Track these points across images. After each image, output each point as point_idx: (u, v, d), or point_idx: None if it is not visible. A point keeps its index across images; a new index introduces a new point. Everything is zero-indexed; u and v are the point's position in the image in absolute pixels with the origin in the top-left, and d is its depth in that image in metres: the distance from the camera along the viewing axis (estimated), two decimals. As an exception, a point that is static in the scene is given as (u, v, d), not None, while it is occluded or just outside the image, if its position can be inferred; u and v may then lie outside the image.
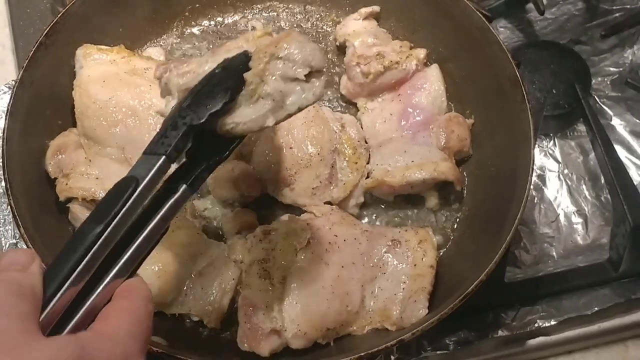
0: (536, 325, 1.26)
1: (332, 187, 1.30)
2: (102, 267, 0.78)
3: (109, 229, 0.79)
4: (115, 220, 0.79)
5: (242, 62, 0.91)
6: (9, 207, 1.15)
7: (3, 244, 1.33)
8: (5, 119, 1.20)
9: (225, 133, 0.90)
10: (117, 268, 0.80)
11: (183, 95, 0.94)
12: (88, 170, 1.26)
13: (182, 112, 0.88)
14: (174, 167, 0.89)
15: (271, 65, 0.89)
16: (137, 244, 0.82)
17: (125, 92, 1.31)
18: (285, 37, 0.91)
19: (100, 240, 0.78)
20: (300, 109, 0.91)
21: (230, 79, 0.90)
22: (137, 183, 0.82)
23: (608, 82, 1.56)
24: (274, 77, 0.89)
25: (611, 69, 1.57)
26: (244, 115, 0.89)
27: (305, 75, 0.90)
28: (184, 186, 0.88)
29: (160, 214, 0.85)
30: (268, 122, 0.90)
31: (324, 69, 0.92)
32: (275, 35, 0.95)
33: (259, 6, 1.58)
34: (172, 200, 0.86)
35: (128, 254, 0.81)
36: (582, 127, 1.49)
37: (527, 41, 1.62)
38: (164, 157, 0.85)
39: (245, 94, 0.89)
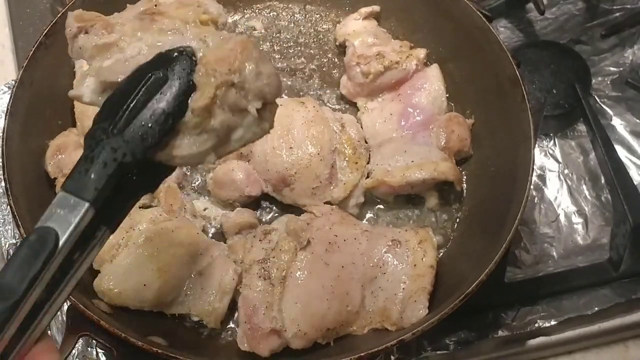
0: (536, 325, 1.25)
1: (332, 187, 1.30)
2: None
3: (19, 307, 0.68)
4: (27, 296, 0.68)
5: (184, 67, 0.78)
6: (8, 207, 1.15)
7: (3, 244, 1.33)
8: (5, 119, 1.20)
9: (156, 162, 0.79)
10: (27, 335, 0.71)
11: (104, 93, 0.81)
12: (88, 170, 1.26)
13: (111, 142, 0.75)
14: None
15: (222, 94, 0.76)
16: (49, 310, 0.73)
17: (125, 92, 1.31)
18: (240, 54, 0.77)
19: (8, 321, 0.68)
20: (244, 145, 0.82)
21: (171, 98, 0.76)
22: (56, 240, 0.71)
23: (608, 82, 1.56)
24: (223, 109, 0.77)
25: (611, 68, 1.57)
26: (183, 149, 0.78)
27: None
28: (104, 229, 0.77)
29: (77, 270, 0.75)
30: (208, 159, 0.80)
31: (277, 100, 0.82)
32: (224, 37, 0.81)
33: (259, 6, 1.58)
34: (90, 250, 0.76)
35: (38, 321, 0.72)
36: (582, 127, 1.49)
37: (527, 41, 1.62)
38: (88, 204, 0.72)
39: (188, 123, 0.77)
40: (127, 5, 0.89)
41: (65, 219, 0.71)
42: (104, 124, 0.76)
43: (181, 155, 0.78)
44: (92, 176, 0.73)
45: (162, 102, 0.76)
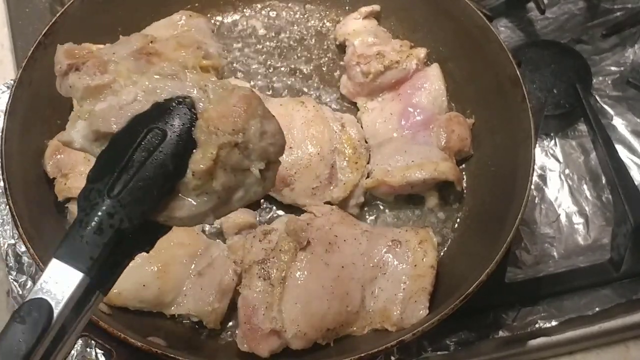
0: (537, 325, 1.25)
1: (332, 187, 1.30)
2: None
3: None
4: None
5: (184, 122, 0.72)
6: (7, 207, 1.14)
7: (2, 244, 1.32)
8: (4, 119, 1.19)
9: (152, 222, 0.74)
10: None
11: (96, 142, 0.76)
12: (87, 170, 1.24)
13: (107, 206, 0.70)
14: None
15: (224, 154, 0.72)
16: None
17: (124, 92, 1.30)
18: (244, 111, 0.73)
19: None
20: (245, 204, 0.77)
21: (171, 157, 0.71)
22: (49, 313, 0.67)
23: (609, 82, 1.55)
24: (225, 170, 0.73)
25: (612, 68, 1.57)
26: (181, 211, 0.73)
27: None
28: (98, 293, 0.72)
29: (69, 338, 0.71)
30: (207, 220, 0.75)
31: (280, 159, 0.77)
32: (226, 88, 0.76)
33: (258, 5, 1.57)
34: (83, 315, 0.71)
35: None
36: (583, 127, 1.49)
37: (528, 40, 1.62)
38: (83, 275, 0.69)
39: (188, 184, 0.73)
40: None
41: (59, 290, 0.68)
42: (99, 185, 0.72)
43: (179, 217, 0.74)
44: (87, 244, 0.69)
45: (161, 161, 0.71)
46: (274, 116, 0.76)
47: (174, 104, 0.74)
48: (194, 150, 0.72)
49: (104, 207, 0.70)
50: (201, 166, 0.71)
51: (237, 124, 0.72)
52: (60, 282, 0.68)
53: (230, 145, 0.72)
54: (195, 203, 0.73)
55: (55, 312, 0.67)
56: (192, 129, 0.72)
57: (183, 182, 0.72)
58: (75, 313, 0.70)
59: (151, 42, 0.81)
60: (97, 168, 0.74)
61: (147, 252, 0.77)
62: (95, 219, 0.70)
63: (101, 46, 0.83)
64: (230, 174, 0.73)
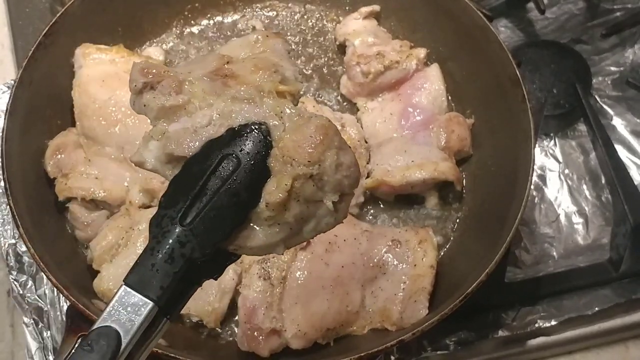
0: (536, 325, 1.25)
1: (332, 187, 1.30)
2: None
3: None
4: None
5: (258, 150, 0.71)
6: (8, 207, 1.14)
7: (2, 244, 1.32)
8: (5, 119, 1.20)
9: (223, 250, 0.73)
10: None
11: (168, 164, 0.75)
12: (87, 170, 1.26)
13: (179, 234, 0.69)
14: None
15: (298, 186, 0.70)
16: None
17: (124, 92, 1.30)
18: (320, 142, 0.70)
19: None
20: (315, 235, 0.76)
21: (245, 186, 0.70)
22: (118, 342, 0.66)
23: (609, 82, 1.55)
24: (298, 202, 0.71)
25: (612, 68, 1.57)
26: (253, 240, 0.72)
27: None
28: (165, 320, 0.71)
29: None
30: (277, 250, 0.74)
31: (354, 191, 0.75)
32: (302, 116, 0.73)
33: (258, 5, 1.57)
34: (149, 342, 0.70)
35: None
36: (582, 127, 1.49)
37: (528, 40, 1.62)
38: (152, 304, 0.68)
39: (261, 214, 0.71)
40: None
41: (128, 318, 0.67)
42: (171, 212, 0.70)
43: (251, 246, 0.72)
44: (158, 272, 0.69)
45: (234, 190, 0.70)
46: (349, 147, 0.74)
47: (249, 131, 0.72)
48: (268, 180, 0.71)
49: (175, 235, 0.70)
50: (275, 198, 0.70)
51: (313, 155, 0.70)
52: (129, 310, 0.68)
53: (305, 177, 0.70)
54: (267, 233, 0.72)
55: (124, 341, 0.67)
56: (267, 157, 0.71)
57: (255, 212, 0.71)
58: (142, 340, 0.69)
59: (227, 62, 0.80)
60: (169, 194, 0.73)
61: (216, 279, 0.75)
62: (167, 247, 0.69)
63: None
64: (304, 205, 0.72)
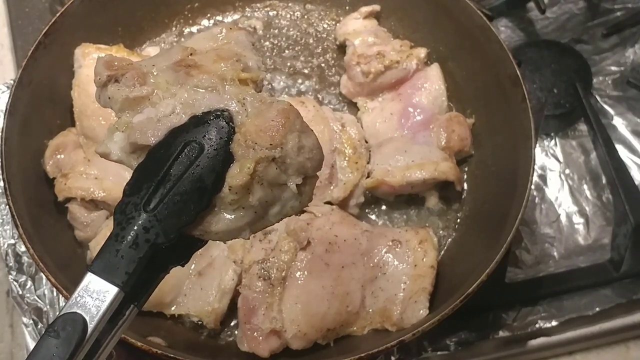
0: (537, 325, 1.25)
1: (332, 187, 1.30)
2: None
3: None
4: None
5: (221, 135, 0.72)
6: (7, 207, 1.14)
7: (1, 244, 1.32)
8: (4, 119, 1.19)
9: (188, 236, 0.74)
10: None
11: (133, 154, 0.75)
12: (87, 170, 1.26)
13: (144, 220, 0.70)
14: None
15: (261, 169, 0.71)
16: None
17: (124, 92, 1.30)
18: (282, 126, 0.72)
19: None
20: (281, 219, 0.76)
21: (208, 171, 0.71)
22: (84, 327, 0.67)
23: (609, 82, 1.55)
24: (262, 185, 0.72)
25: (612, 68, 1.57)
26: (218, 225, 0.73)
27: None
28: (132, 307, 0.72)
29: (103, 352, 0.70)
30: (243, 234, 0.74)
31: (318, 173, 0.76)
32: (264, 101, 0.74)
33: (258, 5, 1.57)
34: (117, 329, 0.71)
35: None
36: (583, 127, 1.49)
37: (528, 40, 1.62)
38: (118, 289, 0.69)
39: (225, 199, 0.72)
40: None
41: (94, 304, 0.68)
42: (135, 199, 0.71)
43: (215, 231, 0.73)
44: (123, 259, 0.69)
45: (198, 175, 0.70)
46: (312, 130, 0.75)
47: (211, 117, 0.73)
48: (231, 165, 0.72)
49: (140, 221, 0.70)
50: (238, 181, 0.70)
51: (275, 138, 0.71)
52: (95, 296, 0.68)
53: (268, 159, 0.71)
54: (231, 217, 0.73)
55: (90, 326, 0.67)
56: (230, 143, 0.72)
57: (220, 197, 0.72)
58: (109, 327, 0.70)
59: (191, 54, 0.80)
60: (133, 181, 0.73)
61: (183, 265, 0.76)
62: (131, 233, 0.70)
63: (140, 59, 0.82)
64: (267, 188, 0.72)
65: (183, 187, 0.71)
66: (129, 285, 0.69)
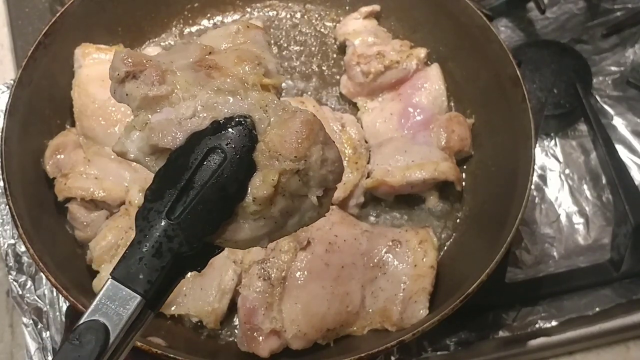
0: (537, 325, 1.25)
1: (332, 187, 1.30)
2: None
3: None
4: None
5: (244, 144, 0.71)
6: (7, 207, 1.14)
7: (1, 244, 1.32)
8: (4, 119, 1.19)
9: (209, 244, 0.74)
10: None
11: (152, 156, 0.74)
12: (87, 170, 1.26)
13: (167, 228, 0.69)
14: None
15: (284, 180, 0.71)
16: None
17: (124, 92, 1.30)
18: (306, 138, 0.70)
19: None
20: (298, 229, 0.76)
21: (231, 180, 0.70)
22: (106, 336, 0.66)
23: (609, 82, 1.55)
24: (283, 196, 0.72)
25: (612, 68, 1.57)
26: (239, 233, 0.72)
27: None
28: (150, 312, 0.71)
29: (121, 356, 0.70)
30: (262, 243, 0.74)
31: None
32: (286, 110, 0.73)
33: (258, 5, 1.57)
34: (134, 334, 0.70)
35: None
36: (583, 127, 1.49)
37: (528, 40, 1.62)
38: (140, 298, 0.68)
39: (247, 208, 0.71)
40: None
41: (116, 312, 0.67)
42: (158, 205, 0.70)
43: (236, 239, 0.72)
44: (146, 267, 0.69)
45: (221, 184, 0.69)
46: (334, 142, 0.74)
47: (234, 124, 0.72)
48: (254, 174, 0.71)
49: (163, 230, 0.69)
50: (263, 192, 0.70)
51: (299, 150, 0.70)
52: (117, 304, 0.68)
53: (292, 172, 0.70)
54: (252, 227, 0.72)
55: (112, 335, 0.67)
56: (252, 150, 0.71)
57: (242, 206, 0.71)
58: (128, 334, 0.69)
59: (210, 53, 0.79)
60: (155, 187, 0.72)
61: (199, 271, 0.75)
62: (154, 241, 0.69)
63: (159, 53, 0.81)
64: (289, 199, 0.72)
65: (207, 196, 0.70)
66: (150, 293, 0.69)
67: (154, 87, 0.74)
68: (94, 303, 0.68)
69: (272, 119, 0.73)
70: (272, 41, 1.53)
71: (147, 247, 0.69)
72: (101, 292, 0.69)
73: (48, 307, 1.26)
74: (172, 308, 1.18)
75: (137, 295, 0.68)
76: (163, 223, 0.70)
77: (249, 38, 0.83)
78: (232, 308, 1.20)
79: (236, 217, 0.72)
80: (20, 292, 1.27)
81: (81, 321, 0.67)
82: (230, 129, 0.71)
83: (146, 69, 0.75)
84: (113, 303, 0.68)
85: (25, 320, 1.25)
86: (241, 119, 0.72)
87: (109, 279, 0.69)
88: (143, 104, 0.75)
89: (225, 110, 0.73)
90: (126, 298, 0.68)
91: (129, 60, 0.76)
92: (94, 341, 0.66)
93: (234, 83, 0.74)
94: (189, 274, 1.09)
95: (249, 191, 0.70)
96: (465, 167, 1.38)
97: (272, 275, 1.15)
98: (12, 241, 1.32)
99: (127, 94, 0.76)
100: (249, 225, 0.72)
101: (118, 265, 0.70)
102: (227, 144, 0.71)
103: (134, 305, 0.68)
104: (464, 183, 1.35)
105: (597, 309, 1.26)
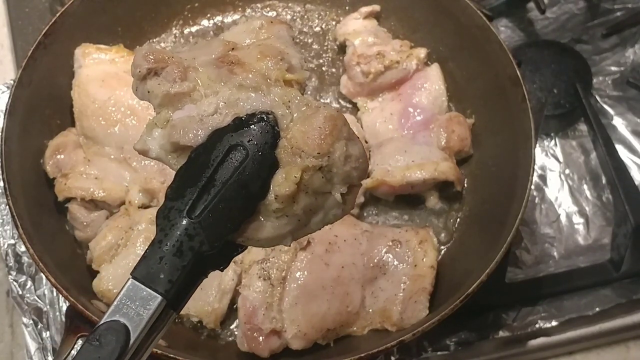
0: (537, 325, 1.25)
1: (332, 187, 1.30)
2: None
3: None
4: None
5: (266, 140, 0.69)
6: (7, 207, 1.14)
7: (1, 244, 1.32)
8: (4, 119, 1.19)
9: (231, 242, 0.72)
10: None
11: (174, 153, 0.73)
12: (87, 170, 1.26)
13: (188, 227, 0.68)
14: None
15: (307, 177, 0.69)
16: None
17: (124, 92, 1.30)
18: (329, 134, 0.69)
19: None
20: (322, 227, 0.74)
21: (253, 178, 0.68)
22: (127, 336, 0.65)
23: (609, 82, 1.55)
24: (306, 193, 0.70)
25: (612, 68, 1.57)
26: (261, 232, 0.71)
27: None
28: (172, 312, 0.70)
29: (142, 357, 0.69)
30: (285, 242, 0.73)
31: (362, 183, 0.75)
32: (309, 106, 0.72)
33: (258, 5, 1.57)
34: (156, 335, 0.69)
35: None
36: (583, 127, 1.49)
37: (528, 40, 1.62)
38: (161, 298, 0.67)
39: (269, 206, 0.70)
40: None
41: (137, 312, 0.66)
42: (178, 204, 0.69)
43: (258, 238, 0.71)
44: (167, 266, 0.67)
45: (243, 182, 0.68)
46: (358, 138, 0.73)
47: (256, 120, 0.70)
48: (276, 171, 0.69)
49: (184, 229, 0.68)
50: (285, 190, 0.68)
51: (322, 147, 0.68)
52: (137, 304, 0.67)
53: (315, 169, 0.69)
54: (275, 225, 0.71)
55: (133, 336, 0.66)
56: (275, 148, 0.69)
57: (264, 204, 0.70)
58: (149, 334, 0.68)
59: (232, 49, 0.77)
60: (176, 185, 0.71)
61: (222, 270, 0.74)
62: (175, 240, 0.68)
63: (180, 51, 0.80)
64: (312, 197, 0.70)
65: (228, 194, 0.68)
66: (171, 293, 0.67)
67: (176, 84, 0.73)
68: (114, 303, 0.67)
69: (295, 115, 0.71)
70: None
71: (168, 247, 0.68)
72: (122, 292, 0.68)
73: (48, 307, 1.26)
74: (172, 308, 1.18)
75: (158, 295, 0.67)
76: (184, 222, 0.68)
77: (273, 33, 0.82)
78: (232, 308, 1.20)
79: (258, 215, 0.70)
80: (20, 292, 1.27)
81: (101, 321, 0.67)
82: (252, 126, 0.70)
83: (168, 65, 0.74)
84: (134, 303, 0.67)
85: (25, 320, 1.25)
86: (263, 115, 0.71)
87: (129, 278, 0.68)
88: (165, 101, 0.74)
89: (248, 107, 0.72)
90: (147, 298, 0.67)
91: (151, 57, 0.75)
92: (114, 342, 0.65)
93: (256, 79, 0.73)
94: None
95: (271, 189, 0.69)
96: (465, 167, 1.38)
97: (272, 275, 1.15)
98: (12, 241, 1.32)
99: (148, 91, 0.74)
100: (271, 223, 0.70)
101: (139, 265, 0.69)
102: (249, 141, 0.69)
103: (154, 306, 0.67)
104: (464, 183, 1.35)
105: (597, 309, 1.26)
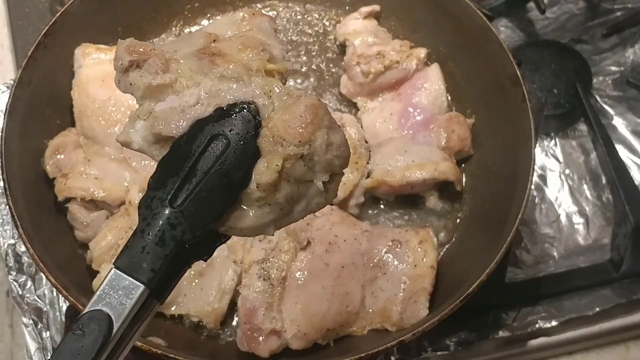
0: (537, 325, 1.25)
1: (332, 187, 1.30)
2: None
3: None
4: None
5: (247, 129, 0.70)
6: (7, 207, 1.14)
7: (1, 244, 1.32)
8: (4, 119, 1.19)
9: (214, 232, 0.73)
10: None
11: (156, 144, 0.73)
12: (87, 170, 1.26)
13: (170, 216, 0.69)
14: None
15: (289, 166, 0.70)
16: None
17: (124, 92, 1.30)
18: (310, 122, 0.70)
19: None
20: (305, 216, 0.75)
21: (235, 167, 0.69)
22: (109, 325, 0.66)
23: (609, 82, 1.55)
24: (288, 182, 0.71)
25: (612, 68, 1.57)
26: (243, 221, 0.71)
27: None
28: (155, 302, 0.70)
29: (125, 348, 0.69)
30: (268, 231, 0.73)
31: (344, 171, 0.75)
32: (290, 95, 0.73)
33: (258, 5, 1.57)
34: (139, 325, 0.70)
35: None
36: (583, 127, 1.49)
37: (528, 40, 1.62)
38: (143, 287, 0.68)
39: (251, 195, 0.70)
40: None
41: (119, 302, 0.67)
42: (160, 193, 0.70)
43: (240, 227, 0.71)
44: (149, 255, 0.68)
45: (225, 171, 0.69)
46: (339, 126, 0.73)
47: (237, 110, 0.71)
48: (258, 160, 0.70)
49: (166, 218, 0.69)
50: (266, 178, 0.69)
51: (303, 135, 0.69)
52: (120, 293, 0.67)
53: (296, 157, 0.69)
54: (257, 214, 0.71)
55: (116, 325, 0.66)
56: (257, 137, 0.70)
57: (246, 193, 0.70)
58: (133, 324, 0.68)
59: (214, 40, 0.78)
60: (158, 175, 0.72)
61: (205, 260, 0.74)
62: (157, 229, 0.69)
63: (163, 42, 0.80)
64: (294, 185, 0.71)
65: (210, 183, 0.69)
66: (154, 282, 0.68)
67: (158, 76, 0.73)
68: (97, 293, 0.68)
69: (276, 105, 0.72)
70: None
71: (150, 236, 0.69)
72: (104, 282, 0.68)
73: (48, 307, 1.26)
74: (172, 308, 1.18)
75: (141, 285, 0.68)
76: (166, 211, 0.69)
77: (255, 25, 0.82)
78: (232, 308, 1.20)
79: (240, 204, 0.71)
80: (20, 292, 1.27)
81: (84, 311, 0.67)
82: (233, 116, 0.71)
83: (150, 58, 0.75)
84: (116, 293, 0.67)
85: (25, 320, 1.25)
86: (245, 105, 0.71)
87: (112, 268, 0.69)
88: (147, 93, 0.74)
89: (229, 97, 0.72)
90: (129, 287, 0.67)
91: (133, 49, 0.75)
92: (97, 331, 0.65)
93: (238, 69, 0.73)
94: (191, 271, 1.09)
95: (252, 177, 0.70)
96: (465, 167, 1.38)
97: (272, 275, 1.15)
98: (12, 241, 1.32)
99: (131, 84, 0.75)
100: (253, 212, 0.71)
101: (121, 255, 0.69)
102: (230, 131, 0.70)
103: (137, 295, 0.67)
104: (464, 183, 1.35)
105: (597, 309, 1.26)
